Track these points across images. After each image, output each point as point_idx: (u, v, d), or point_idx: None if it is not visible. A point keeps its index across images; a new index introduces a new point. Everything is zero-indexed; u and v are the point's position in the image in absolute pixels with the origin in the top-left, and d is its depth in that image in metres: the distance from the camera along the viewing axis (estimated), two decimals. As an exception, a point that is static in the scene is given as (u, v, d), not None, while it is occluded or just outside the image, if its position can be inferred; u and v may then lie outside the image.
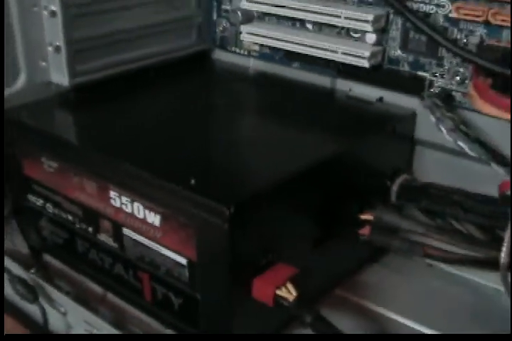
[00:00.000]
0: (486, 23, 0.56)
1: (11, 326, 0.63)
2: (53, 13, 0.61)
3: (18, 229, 0.66)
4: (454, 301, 0.62)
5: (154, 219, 0.51)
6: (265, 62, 0.73)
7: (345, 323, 0.50)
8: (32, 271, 0.62)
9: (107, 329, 0.55)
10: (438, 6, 0.58)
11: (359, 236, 0.57)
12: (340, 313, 0.58)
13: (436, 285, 0.64)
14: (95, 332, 0.56)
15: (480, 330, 0.57)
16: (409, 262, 0.66)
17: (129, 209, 0.53)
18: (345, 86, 0.67)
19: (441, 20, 0.58)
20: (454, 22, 0.58)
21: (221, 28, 0.74)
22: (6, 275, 0.60)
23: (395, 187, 0.61)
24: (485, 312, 0.60)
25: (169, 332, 0.56)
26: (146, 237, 0.53)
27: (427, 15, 0.59)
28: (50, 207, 0.61)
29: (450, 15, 0.57)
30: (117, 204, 0.53)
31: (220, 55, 0.77)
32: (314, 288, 0.54)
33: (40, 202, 0.62)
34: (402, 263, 0.66)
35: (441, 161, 0.63)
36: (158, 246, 0.52)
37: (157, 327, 0.57)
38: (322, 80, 0.69)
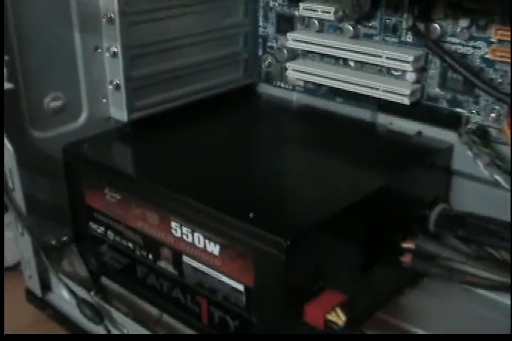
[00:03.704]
0: (522, 65, 0.60)
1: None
2: (114, 54, 0.66)
3: (78, 254, 0.71)
4: (490, 324, 0.65)
5: (214, 248, 0.55)
6: (309, 96, 0.77)
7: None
8: (92, 293, 0.66)
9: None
10: (475, 47, 0.62)
11: (401, 263, 0.61)
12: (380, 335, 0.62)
13: (473, 309, 0.67)
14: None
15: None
16: (447, 286, 0.69)
17: (189, 239, 0.57)
18: (385, 120, 0.71)
19: (477, 61, 0.62)
20: (490, 63, 0.61)
21: (266, 64, 0.79)
22: (72, 298, 0.64)
23: (433, 216, 0.64)
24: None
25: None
26: (205, 265, 0.57)
27: (464, 56, 0.62)
28: (110, 235, 0.65)
29: (486, 56, 0.61)
30: (178, 234, 0.57)
31: (265, 89, 0.81)
32: (360, 311, 0.58)
33: (101, 229, 0.66)
34: (440, 287, 0.69)
35: (477, 191, 0.66)
36: (216, 273, 0.56)
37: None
38: (363, 114, 0.73)
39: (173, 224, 0.57)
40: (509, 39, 0.59)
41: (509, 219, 0.61)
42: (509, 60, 0.60)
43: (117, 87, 0.68)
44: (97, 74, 0.67)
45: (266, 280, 0.52)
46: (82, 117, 0.69)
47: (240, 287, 0.54)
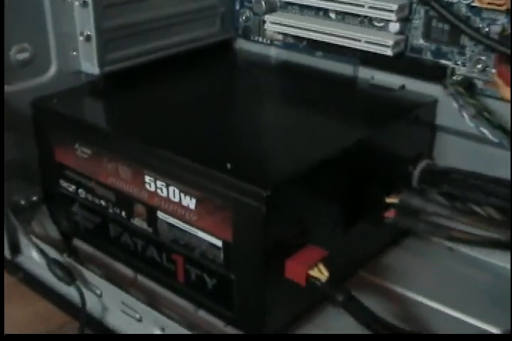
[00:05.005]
0: (508, 12, 0.57)
1: (48, 310, 0.65)
2: (85, 4, 0.63)
3: (49, 215, 0.68)
4: (474, 283, 0.64)
5: (190, 202, 0.53)
6: (288, 50, 0.74)
7: (368, 303, 0.51)
8: (64, 255, 0.64)
9: (143, 309, 0.57)
10: (461, -5, 0.60)
11: (385, 219, 0.59)
12: (363, 294, 0.60)
13: (457, 268, 0.66)
14: (131, 313, 0.58)
15: (498, 311, 0.58)
16: (430, 245, 0.68)
17: (164, 194, 0.54)
18: (367, 74, 0.69)
19: (463, 9, 0.60)
20: (477, 11, 0.59)
21: (244, 18, 0.76)
22: (42, 259, 0.62)
23: (416, 172, 0.63)
24: (503, 292, 0.61)
25: (201, 312, 0.58)
26: (180, 220, 0.54)
27: (450, 4, 0.60)
28: (82, 193, 0.62)
29: (473, 4, 0.59)
30: (152, 188, 0.55)
31: (242, 44, 0.78)
32: (343, 268, 0.56)
33: (72, 187, 0.63)
34: (423, 246, 0.68)
35: (462, 147, 0.65)
36: (193, 228, 0.54)
37: (189, 308, 0.59)
38: (345, 69, 0.70)
39: (147, 178, 0.55)
40: (497, -15, 0.57)
41: (493, 174, 0.60)
42: (497, 8, 0.57)
43: (88, 38, 0.64)
44: (67, 25, 0.64)
45: (245, 234, 0.50)
46: (51, 70, 0.66)
47: (218, 242, 0.52)
